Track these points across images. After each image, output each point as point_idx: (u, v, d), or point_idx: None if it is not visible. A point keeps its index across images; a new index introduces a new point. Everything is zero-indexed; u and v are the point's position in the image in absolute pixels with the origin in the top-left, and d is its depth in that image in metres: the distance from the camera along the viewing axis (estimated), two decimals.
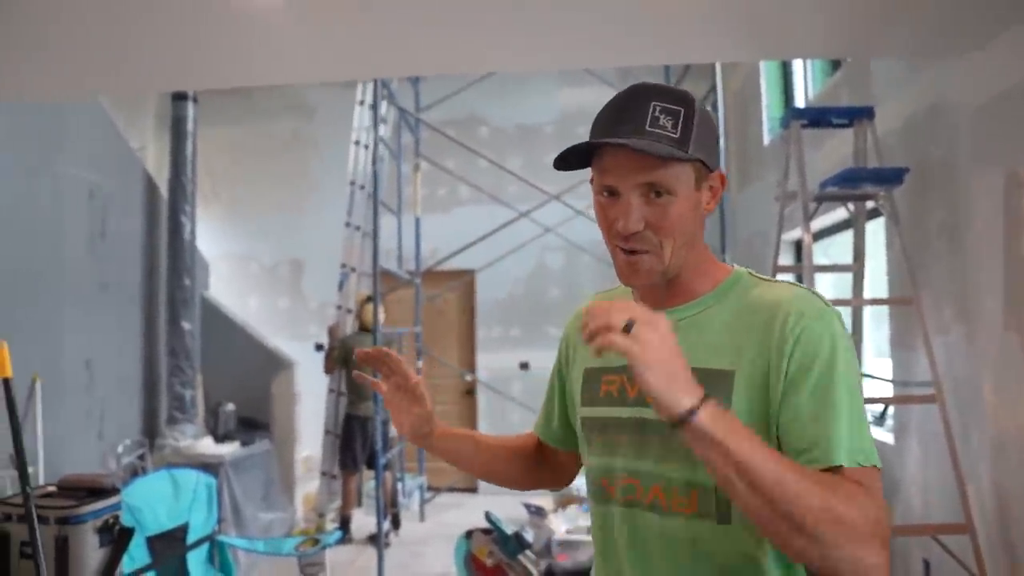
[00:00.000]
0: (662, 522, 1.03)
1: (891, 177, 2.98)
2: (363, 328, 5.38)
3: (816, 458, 0.92)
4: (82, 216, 4.20)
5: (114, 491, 2.24)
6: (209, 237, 6.64)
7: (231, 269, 7.09)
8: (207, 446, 4.82)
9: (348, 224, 5.84)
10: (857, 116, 3.24)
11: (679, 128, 0.98)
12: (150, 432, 4.94)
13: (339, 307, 5.72)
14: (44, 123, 3.90)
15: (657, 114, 0.99)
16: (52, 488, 2.22)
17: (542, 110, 6.90)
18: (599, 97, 1.04)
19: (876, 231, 3.60)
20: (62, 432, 3.87)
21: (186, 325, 5.07)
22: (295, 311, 7.10)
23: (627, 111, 1.00)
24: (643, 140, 0.97)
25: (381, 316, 5.35)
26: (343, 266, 5.76)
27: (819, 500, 0.84)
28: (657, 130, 0.98)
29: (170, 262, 5.12)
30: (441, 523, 5.75)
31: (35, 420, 3.58)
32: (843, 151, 3.58)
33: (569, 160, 1.03)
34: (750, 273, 1.09)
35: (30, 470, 2.28)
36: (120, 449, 4.36)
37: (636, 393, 1.04)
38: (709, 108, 4.98)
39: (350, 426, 5.27)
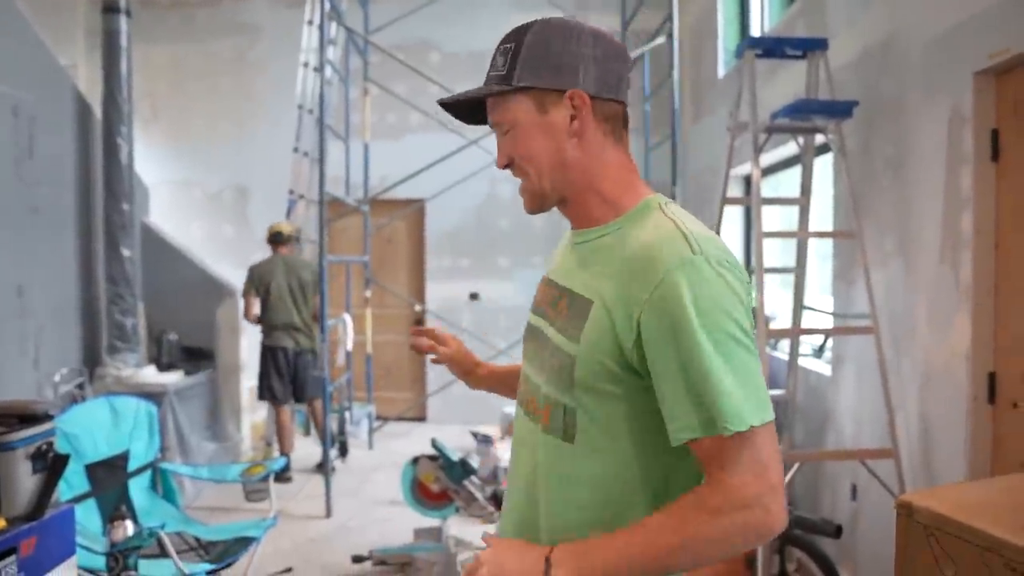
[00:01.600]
0: (531, 429, 1.10)
1: (841, 110, 2.99)
2: (274, 243, 5.20)
3: (693, 430, 0.92)
4: (5, 134, 3.97)
5: (47, 417, 2.17)
6: (149, 161, 6.38)
7: (173, 195, 6.85)
8: (150, 375, 4.73)
9: (296, 149, 5.67)
10: (811, 48, 3.22)
11: (507, 64, 1.05)
12: (90, 361, 4.82)
13: None
14: None
15: (496, 56, 1.07)
16: None
17: (494, 36, 6.57)
18: None
19: (825, 167, 3.64)
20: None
21: (125, 252, 4.89)
22: (240, 239, 6.92)
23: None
24: (473, 89, 1.08)
25: (291, 228, 5.23)
26: (291, 192, 5.62)
27: (685, 547, 0.91)
28: (493, 72, 1.07)
29: (106, 186, 4.90)
30: (389, 451, 5.81)
31: None
32: (796, 85, 3.57)
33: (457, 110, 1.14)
34: (660, 206, 1.04)
35: None
36: (57, 378, 4.25)
37: (543, 305, 1.14)
38: (669, 36, 4.90)
39: (264, 357, 5.14)
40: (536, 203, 1.09)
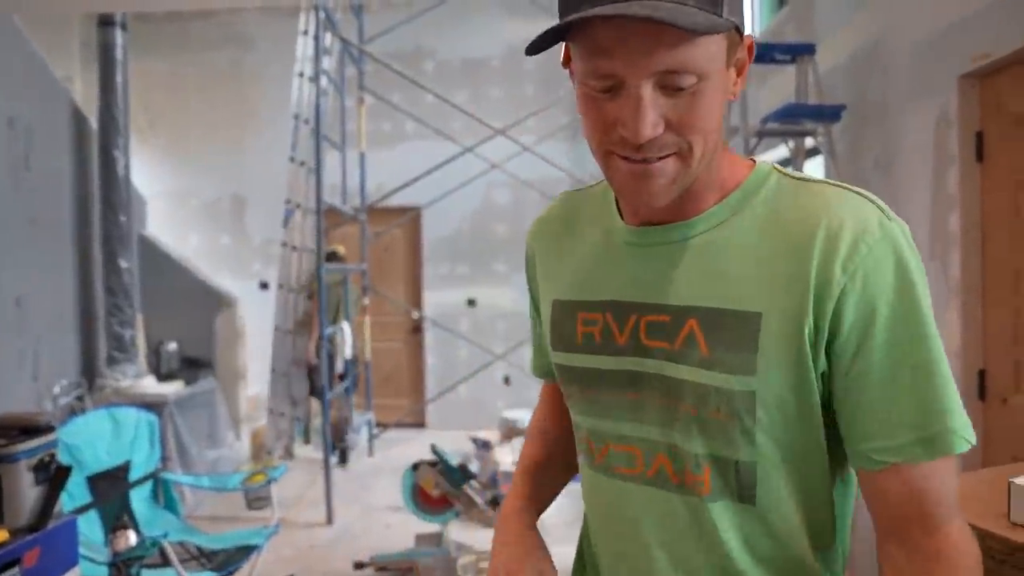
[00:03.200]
0: (668, 499, 0.80)
1: (830, 114, 3.03)
2: (329, 260, 5.41)
3: (914, 453, 0.70)
4: (2, 146, 4.00)
5: (49, 429, 2.19)
6: (146, 173, 6.41)
7: (170, 206, 6.87)
8: (150, 385, 4.75)
9: (292, 159, 5.69)
10: (800, 53, 3.26)
11: None
12: (89, 372, 4.84)
13: (284, 244, 5.62)
14: None
15: None
16: None
17: (488, 44, 6.75)
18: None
19: (817, 170, 3.67)
20: None
21: (123, 263, 4.92)
22: (238, 248, 6.95)
23: None
24: (665, 3, 0.64)
25: (343, 249, 5.44)
26: (287, 202, 5.64)
27: None
28: None
29: (104, 198, 4.93)
30: (389, 457, 5.83)
31: None
32: (787, 89, 3.61)
33: (543, 39, 0.70)
34: (776, 169, 0.79)
35: None
36: (57, 390, 4.26)
37: (628, 338, 0.80)
38: None
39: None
40: (680, 189, 0.74)
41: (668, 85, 0.67)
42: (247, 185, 6.91)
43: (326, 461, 4.60)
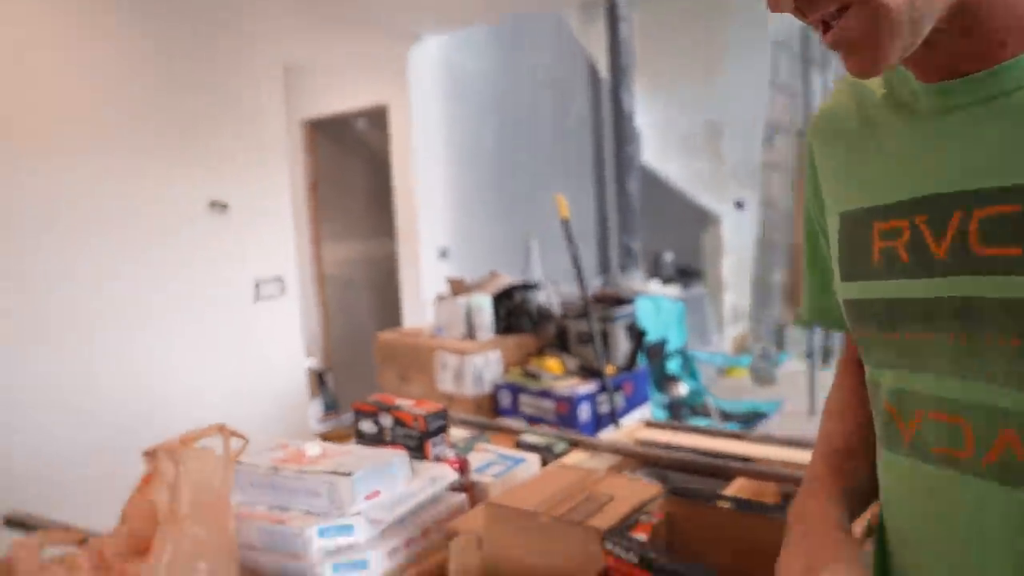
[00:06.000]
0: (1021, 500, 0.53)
1: None
2: None
3: None
4: (547, 104, 5.20)
5: (631, 301, 3.08)
6: (640, 109, 7.42)
7: (657, 136, 7.83)
8: (654, 288, 5.73)
9: (772, 83, 6.04)
10: None
11: None
12: (605, 276, 6.03)
13: (765, 164, 6.05)
14: (515, 29, 4.91)
15: None
16: (590, 297, 3.14)
17: None
18: None
19: None
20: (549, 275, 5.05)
21: (630, 187, 5.95)
22: (714, 172, 7.62)
23: None
24: None
25: None
26: (768, 126, 6.04)
27: None
28: None
29: (614, 135, 5.99)
30: None
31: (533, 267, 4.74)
32: None
33: None
34: None
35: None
36: (596, 283, 5.46)
37: (950, 247, 0.54)
38: None
39: None
40: (893, 51, 0.51)
41: None
42: (723, 111, 7.47)
43: (810, 356, 5.00)
